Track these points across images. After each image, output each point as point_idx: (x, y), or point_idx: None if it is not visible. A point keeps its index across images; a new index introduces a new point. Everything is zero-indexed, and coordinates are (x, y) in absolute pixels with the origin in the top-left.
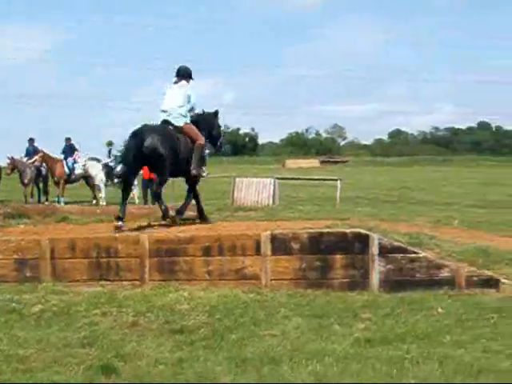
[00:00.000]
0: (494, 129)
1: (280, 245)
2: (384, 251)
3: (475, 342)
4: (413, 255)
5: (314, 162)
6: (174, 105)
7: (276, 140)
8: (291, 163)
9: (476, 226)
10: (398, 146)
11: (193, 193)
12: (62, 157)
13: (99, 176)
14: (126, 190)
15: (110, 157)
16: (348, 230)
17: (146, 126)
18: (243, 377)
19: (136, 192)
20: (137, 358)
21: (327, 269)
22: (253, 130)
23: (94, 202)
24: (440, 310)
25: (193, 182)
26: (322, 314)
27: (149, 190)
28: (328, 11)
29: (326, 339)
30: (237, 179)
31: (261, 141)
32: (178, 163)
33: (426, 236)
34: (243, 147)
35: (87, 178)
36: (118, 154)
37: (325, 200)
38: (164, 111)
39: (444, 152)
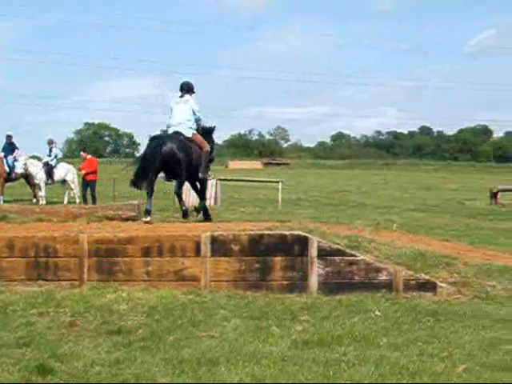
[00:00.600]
0: (435, 133)
1: (220, 246)
2: (323, 254)
3: (411, 344)
4: (351, 258)
5: (256, 164)
6: (183, 119)
7: (219, 141)
8: (234, 164)
9: (415, 230)
10: (340, 149)
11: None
12: (2, 155)
13: (39, 175)
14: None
15: (50, 155)
16: (288, 233)
17: (164, 135)
18: (180, 378)
19: (77, 192)
20: (73, 358)
21: (267, 271)
22: None
23: (34, 200)
24: (377, 312)
25: (201, 184)
26: (260, 316)
27: (88, 190)
28: (275, 13)
29: (264, 341)
30: None
31: None
32: (191, 168)
33: (365, 239)
34: None
35: (27, 176)
36: (59, 152)
37: (267, 202)
38: (175, 125)
39: (385, 156)
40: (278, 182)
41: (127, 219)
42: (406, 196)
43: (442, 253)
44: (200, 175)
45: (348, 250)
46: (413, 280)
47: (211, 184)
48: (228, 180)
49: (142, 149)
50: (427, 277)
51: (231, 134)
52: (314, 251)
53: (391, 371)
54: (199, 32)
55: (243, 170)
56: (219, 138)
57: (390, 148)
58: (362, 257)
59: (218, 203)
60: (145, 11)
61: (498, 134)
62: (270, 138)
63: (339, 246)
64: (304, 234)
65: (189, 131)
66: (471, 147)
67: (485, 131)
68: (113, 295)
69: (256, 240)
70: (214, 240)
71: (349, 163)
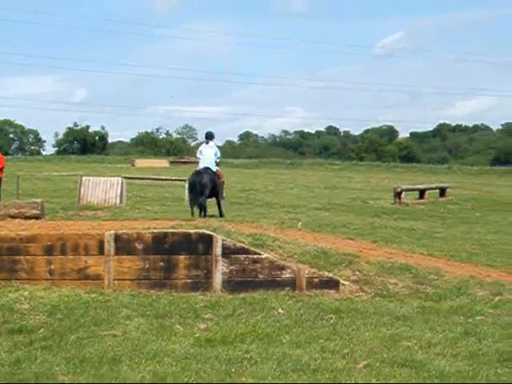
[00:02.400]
0: (341, 133)
1: (124, 245)
2: (227, 252)
3: (313, 341)
4: (255, 256)
5: (163, 162)
6: (211, 160)
7: (126, 139)
8: (141, 163)
9: (320, 229)
10: (247, 148)
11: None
12: None
13: None
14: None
15: None
16: (192, 231)
17: (203, 169)
18: (82, 376)
19: None
20: None
21: (171, 269)
22: (103, 128)
23: None
24: (280, 310)
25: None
26: (164, 314)
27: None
28: (185, 11)
29: (167, 339)
30: (83, 178)
31: (110, 139)
32: (214, 191)
33: (269, 238)
34: (92, 145)
35: None
36: None
37: (173, 200)
38: (206, 162)
39: (292, 155)
40: (184, 181)
41: (30, 217)
42: (311, 195)
43: (345, 251)
44: (220, 197)
45: (252, 249)
46: (316, 278)
47: (116, 182)
48: (134, 178)
49: (47, 146)
50: (330, 274)
51: (138, 131)
52: (218, 249)
53: (293, 368)
54: (108, 29)
55: (150, 168)
56: (126, 136)
57: (297, 147)
58: (265, 255)
59: (123, 202)
60: (51, 7)
61: (403, 134)
62: (178, 136)
63: (243, 245)
64: (208, 232)
65: (214, 167)
66: (377, 147)
67: (390, 131)
68: (14, 294)
69: (160, 238)
70: (117, 238)
71: (256, 162)
